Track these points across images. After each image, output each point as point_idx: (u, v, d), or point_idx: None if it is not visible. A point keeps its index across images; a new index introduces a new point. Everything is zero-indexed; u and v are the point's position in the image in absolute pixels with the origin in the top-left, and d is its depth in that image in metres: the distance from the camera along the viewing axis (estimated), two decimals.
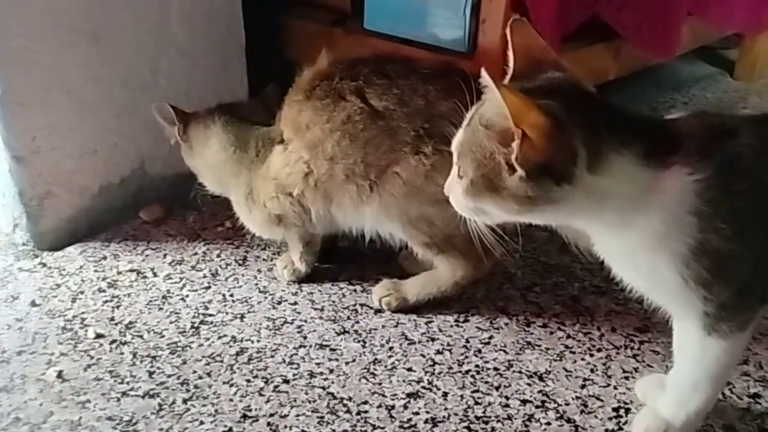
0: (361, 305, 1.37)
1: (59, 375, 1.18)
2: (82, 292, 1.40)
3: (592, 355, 1.24)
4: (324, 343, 1.27)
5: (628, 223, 0.84)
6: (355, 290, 1.41)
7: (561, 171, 0.79)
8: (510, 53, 0.90)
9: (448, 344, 1.26)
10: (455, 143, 0.90)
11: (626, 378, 1.19)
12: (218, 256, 1.52)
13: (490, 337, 1.28)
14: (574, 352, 1.24)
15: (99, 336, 1.28)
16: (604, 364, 1.22)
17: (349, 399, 1.14)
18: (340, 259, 1.50)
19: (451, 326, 1.31)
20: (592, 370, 1.20)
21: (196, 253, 1.53)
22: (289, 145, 1.29)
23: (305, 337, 1.28)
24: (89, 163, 1.59)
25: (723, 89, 2.47)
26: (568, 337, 1.28)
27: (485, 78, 0.80)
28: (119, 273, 1.46)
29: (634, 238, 0.85)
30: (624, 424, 1.10)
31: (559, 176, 0.79)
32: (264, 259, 1.51)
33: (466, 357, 1.23)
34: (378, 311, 1.35)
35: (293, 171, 1.28)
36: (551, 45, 1.47)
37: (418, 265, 1.42)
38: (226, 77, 1.81)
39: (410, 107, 1.20)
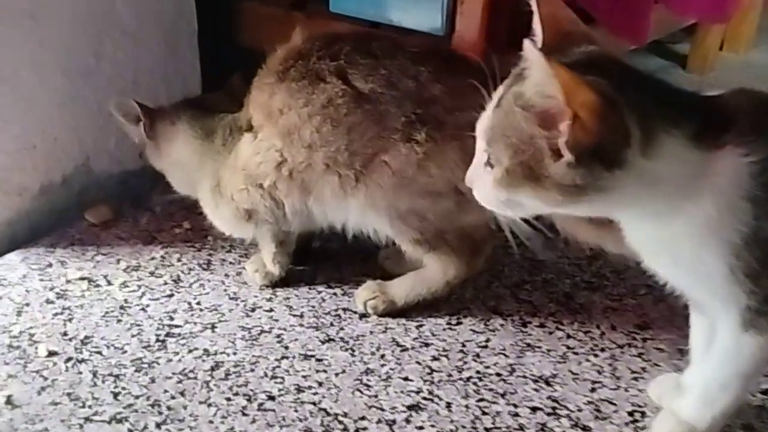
0: (344, 310, 1.25)
1: (8, 400, 1.03)
2: (27, 305, 1.23)
3: (596, 356, 1.16)
4: (308, 353, 1.15)
5: (676, 211, 0.76)
6: (335, 294, 1.30)
7: (613, 155, 0.70)
8: (536, 26, 0.80)
9: (444, 349, 1.17)
10: (482, 127, 0.80)
11: (635, 379, 1.12)
12: (179, 260, 1.38)
13: (487, 340, 1.19)
14: (577, 353, 1.17)
15: (52, 354, 1.13)
16: (610, 365, 1.15)
17: (345, 415, 1.03)
18: (314, 260, 1.38)
19: (444, 329, 1.21)
20: (599, 372, 1.13)
21: (153, 258, 1.38)
22: (260, 132, 1.16)
23: (287, 347, 1.16)
24: (28, 159, 1.42)
25: (677, 82, 2.45)
26: (569, 337, 1.20)
27: (530, 51, 0.71)
28: (68, 282, 1.30)
29: (680, 226, 0.77)
30: (642, 429, 1.02)
31: (611, 161, 0.71)
32: (231, 263, 1.38)
33: (465, 362, 1.14)
34: (363, 316, 1.24)
35: (264, 160, 1.16)
36: None
37: (402, 264, 1.31)
38: (176, 64, 1.66)
39: (399, 90, 1.09)
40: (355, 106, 1.10)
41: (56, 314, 1.22)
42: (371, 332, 1.20)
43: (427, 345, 1.18)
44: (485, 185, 0.80)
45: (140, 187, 1.62)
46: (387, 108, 1.09)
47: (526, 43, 0.71)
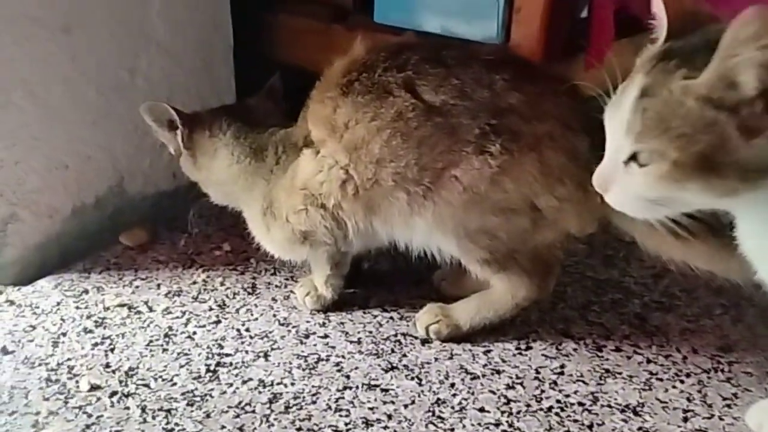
0: (404, 335, 1.17)
1: None
2: (64, 334, 1.15)
3: (682, 382, 1.08)
4: (372, 382, 1.06)
5: None
6: (391, 318, 1.21)
7: None
8: (657, 8, 0.73)
9: (517, 377, 1.08)
10: (620, 123, 0.72)
11: (728, 406, 1.03)
12: (222, 284, 1.30)
13: (562, 366, 1.10)
14: (661, 380, 1.08)
15: (95, 387, 1.04)
16: (699, 392, 1.06)
17: None
18: (364, 282, 1.30)
19: (514, 355, 1.13)
20: (688, 399, 1.04)
21: (195, 282, 1.30)
22: (322, 148, 1.09)
23: (348, 377, 1.07)
24: (59, 179, 1.34)
25: None
26: (649, 361, 1.12)
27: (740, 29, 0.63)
28: (106, 309, 1.22)
29: None
30: None
31: None
32: (277, 286, 1.30)
33: (543, 391, 1.05)
34: (425, 341, 1.15)
35: (328, 179, 1.08)
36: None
37: (461, 285, 1.23)
38: (211, 80, 1.59)
39: (473, 100, 1.02)
40: (425, 119, 1.03)
41: (96, 344, 1.13)
42: (436, 359, 1.11)
43: (498, 372, 1.09)
44: (631, 185, 0.73)
45: (174, 208, 1.54)
46: (459, 120, 1.02)
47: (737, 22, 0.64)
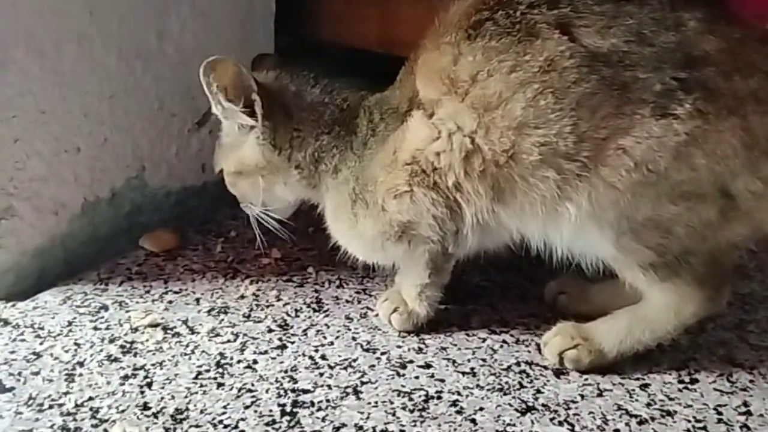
0: (528, 364, 0.90)
1: None
2: (81, 364, 0.86)
3: None
4: (509, 429, 0.79)
5: None
6: (504, 342, 0.94)
7: None
8: None
9: (696, 419, 0.82)
10: None
11: None
12: (278, 299, 1.02)
13: (745, 404, 0.85)
14: None
15: None
16: None
17: None
18: (457, 297, 1.02)
19: (680, 390, 0.87)
20: None
21: (243, 297, 1.02)
22: (438, 110, 0.82)
23: (473, 421, 0.80)
24: (68, 166, 1.06)
25: None
26: None
27: None
28: (134, 330, 0.93)
29: None
30: None
31: None
32: (348, 301, 1.02)
33: None
34: (559, 372, 0.88)
35: (447, 148, 0.81)
36: None
37: (586, 300, 0.99)
38: (250, 51, 1.31)
39: (654, 46, 0.76)
40: (588, 71, 0.76)
41: (126, 377, 0.84)
42: (582, 396, 0.85)
43: (669, 414, 0.83)
44: None
45: (201, 207, 1.27)
46: (634, 73, 0.76)
47: None
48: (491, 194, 0.82)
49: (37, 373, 0.84)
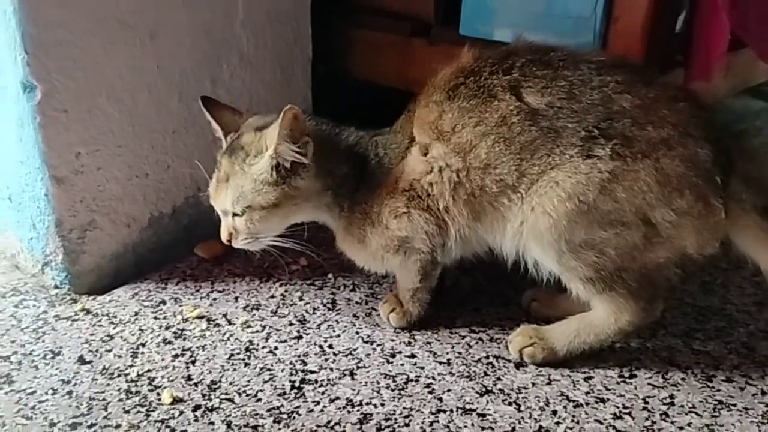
0: (496, 357, 1.10)
1: None
2: (143, 345, 1.11)
3: None
4: (467, 406, 0.99)
5: None
6: (480, 339, 1.14)
7: None
8: None
9: (624, 406, 1.00)
10: None
11: None
12: (300, 299, 1.25)
13: (671, 396, 1.02)
14: None
15: (177, 401, 0.99)
16: None
17: None
18: (448, 302, 1.23)
19: (618, 383, 1.05)
20: None
21: (273, 296, 1.25)
22: (431, 150, 1.04)
23: (440, 399, 1.01)
24: (139, 188, 1.32)
25: None
26: (764, 393, 1.03)
27: None
28: (185, 321, 1.18)
29: None
30: None
31: None
32: (357, 302, 1.24)
33: (653, 422, 0.97)
34: (519, 365, 1.08)
35: (438, 180, 1.03)
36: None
37: (553, 307, 1.17)
38: (289, 93, 1.56)
39: (581, 102, 0.96)
40: (530, 123, 0.97)
41: (176, 356, 1.09)
42: (533, 384, 1.04)
43: (603, 400, 1.01)
44: None
45: None
46: (564, 123, 0.97)
47: None
48: (471, 215, 1.04)
49: (110, 351, 1.10)
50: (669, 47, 1.34)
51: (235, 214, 1.08)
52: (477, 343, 1.14)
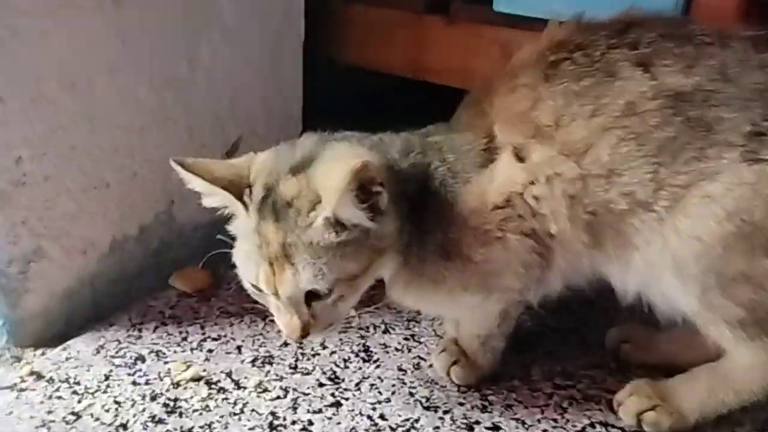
0: (603, 425, 0.84)
1: None
2: (124, 427, 0.79)
3: None
4: None
5: None
6: (572, 398, 0.89)
7: None
8: None
9: None
10: None
11: None
12: (323, 346, 0.96)
13: None
14: None
15: None
16: None
17: None
18: (512, 343, 0.96)
19: None
20: None
21: (286, 344, 0.95)
22: (531, 154, 0.76)
23: None
24: (97, 202, 1.00)
25: None
26: None
27: None
28: (176, 385, 0.86)
29: None
30: None
31: None
32: (397, 349, 0.96)
33: None
34: None
35: (548, 195, 0.75)
36: None
37: (653, 349, 0.93)
38: (278, 82, 1.27)
39: (740, 86, 0.71)
40: (671, 113, 0.71)
41: None
42: None
43: None
44: None
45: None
46: (719, 113, 0.71)
47: None
48: (591, 242, 0.77)
49: None
50: None
51: (316, 297, 0.74)
52: (570, 404, 0.88)
